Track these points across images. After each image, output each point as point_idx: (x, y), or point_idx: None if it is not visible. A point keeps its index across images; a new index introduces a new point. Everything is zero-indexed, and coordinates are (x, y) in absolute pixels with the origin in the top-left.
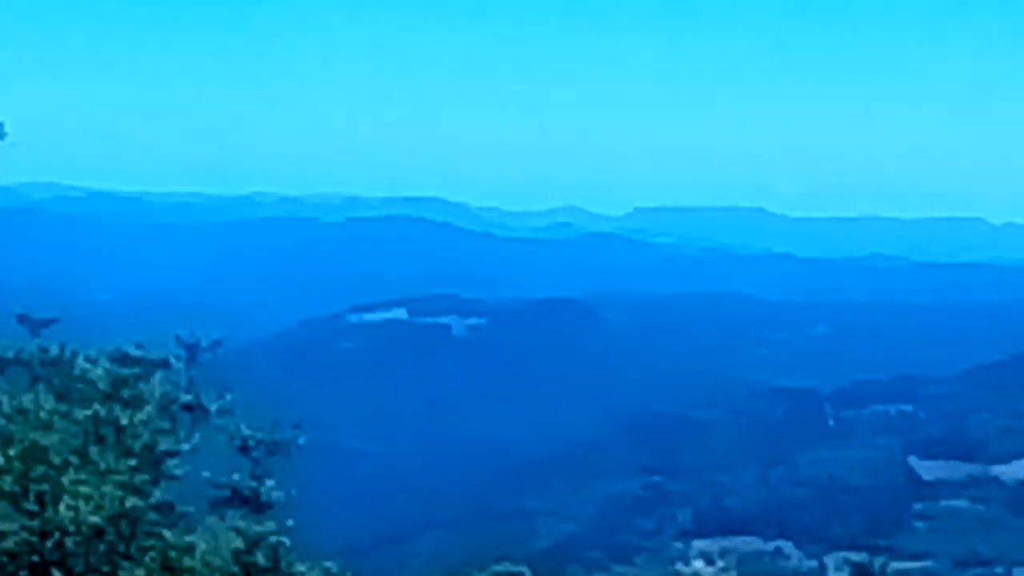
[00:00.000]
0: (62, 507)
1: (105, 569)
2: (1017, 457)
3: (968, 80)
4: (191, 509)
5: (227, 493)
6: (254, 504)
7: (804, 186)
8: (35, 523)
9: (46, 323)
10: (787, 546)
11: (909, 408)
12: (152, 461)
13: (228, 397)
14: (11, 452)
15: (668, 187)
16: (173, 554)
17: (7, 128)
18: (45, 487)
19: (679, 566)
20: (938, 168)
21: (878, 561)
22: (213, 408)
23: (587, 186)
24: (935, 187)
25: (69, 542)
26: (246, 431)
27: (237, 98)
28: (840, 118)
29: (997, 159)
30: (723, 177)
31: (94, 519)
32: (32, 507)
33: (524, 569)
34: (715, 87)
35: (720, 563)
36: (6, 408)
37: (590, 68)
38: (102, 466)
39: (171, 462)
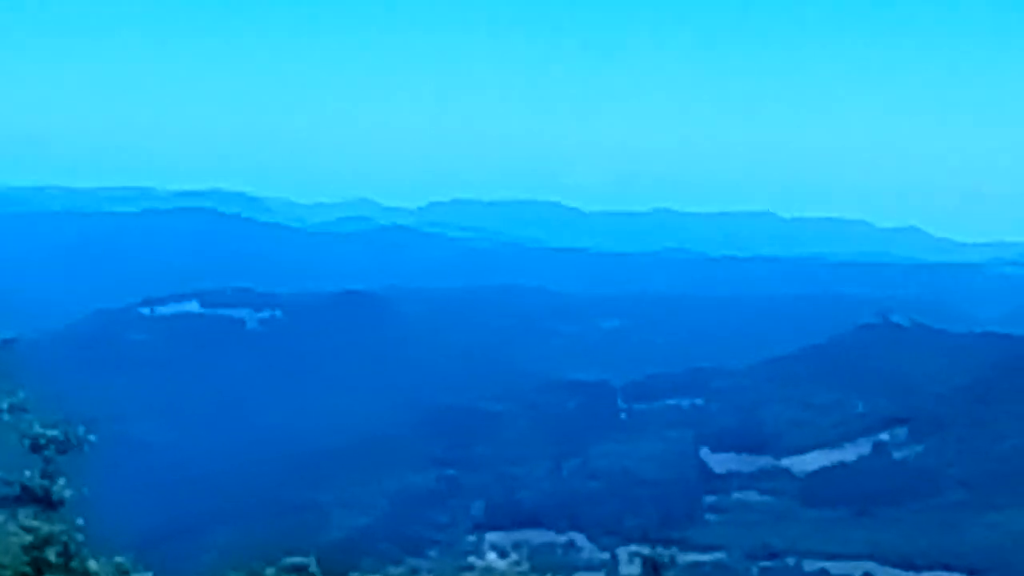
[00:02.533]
0: None
1: None
2: (808, 449)
3: (755, 74)
4: None
5: (18, 491)
6: (46, 502)
7: (599, 180)
8: None
9: None
10: (580, 538)
11: (701, 401)
12: None
13: (20, 394)
14: None
15: (463, 181)
16: None
17: None
18: None
19: (472, 559)
20: (727, 162)
21: (668, 553)
22: (4, 405)
23: (380, 178)
24: (726, 181)
25: None
26: (38, 429)
27: (25, 87)
28: (632, 112)
29: (785, 153)
30: (518, 171)
31: None
32: None
33: (310, 562)
34: (510, 80)
35: (513, 556)
36: None
37: (380, 60)
38: None
39: None
